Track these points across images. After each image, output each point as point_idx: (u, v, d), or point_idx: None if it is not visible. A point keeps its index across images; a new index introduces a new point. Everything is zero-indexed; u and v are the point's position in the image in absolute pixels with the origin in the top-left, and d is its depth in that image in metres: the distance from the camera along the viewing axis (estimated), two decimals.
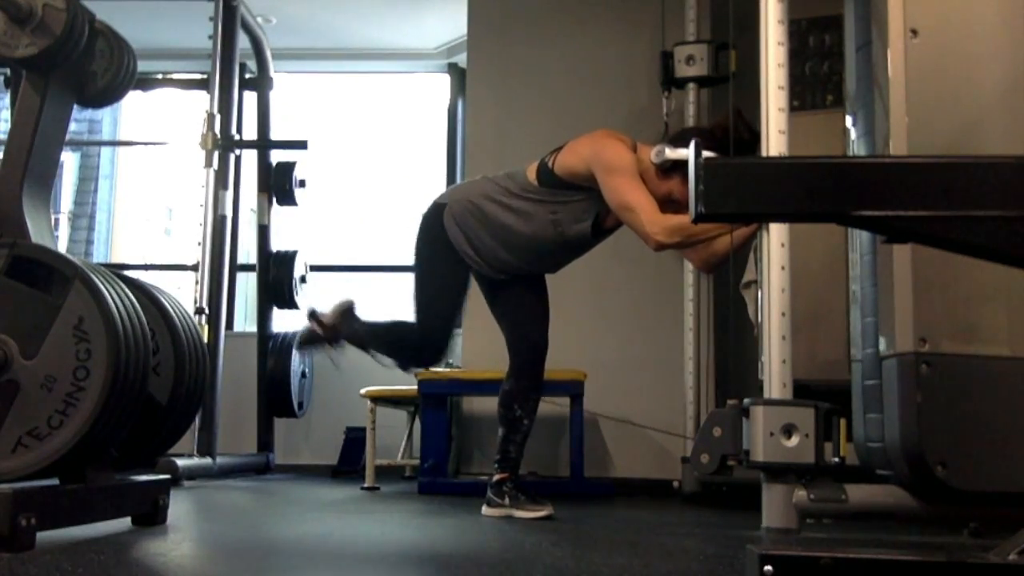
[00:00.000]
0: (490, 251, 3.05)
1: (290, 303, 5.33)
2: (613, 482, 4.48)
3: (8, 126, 2.53)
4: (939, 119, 2.27)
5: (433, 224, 3.09)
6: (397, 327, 3.20)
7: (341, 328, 3.28)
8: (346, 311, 3.29)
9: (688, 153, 1.32)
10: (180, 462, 4.07)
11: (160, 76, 5.93)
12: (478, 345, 4.61)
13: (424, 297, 3.11)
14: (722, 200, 1.31)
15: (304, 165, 5.42)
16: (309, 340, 3.39)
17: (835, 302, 3.41)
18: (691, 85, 4.57)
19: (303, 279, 5.42)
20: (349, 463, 5.15)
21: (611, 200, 2.87)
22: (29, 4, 2.29)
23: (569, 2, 5.18)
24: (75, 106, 2.51)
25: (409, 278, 3.16)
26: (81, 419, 2.00)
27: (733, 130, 2.78)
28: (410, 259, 3.18)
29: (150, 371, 2.20)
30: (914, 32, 2.27)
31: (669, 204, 2.88)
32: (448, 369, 4.30)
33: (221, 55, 4.85)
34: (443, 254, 3.07)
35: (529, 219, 2.99)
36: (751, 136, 2.74)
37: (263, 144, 5.38)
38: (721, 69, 4.43)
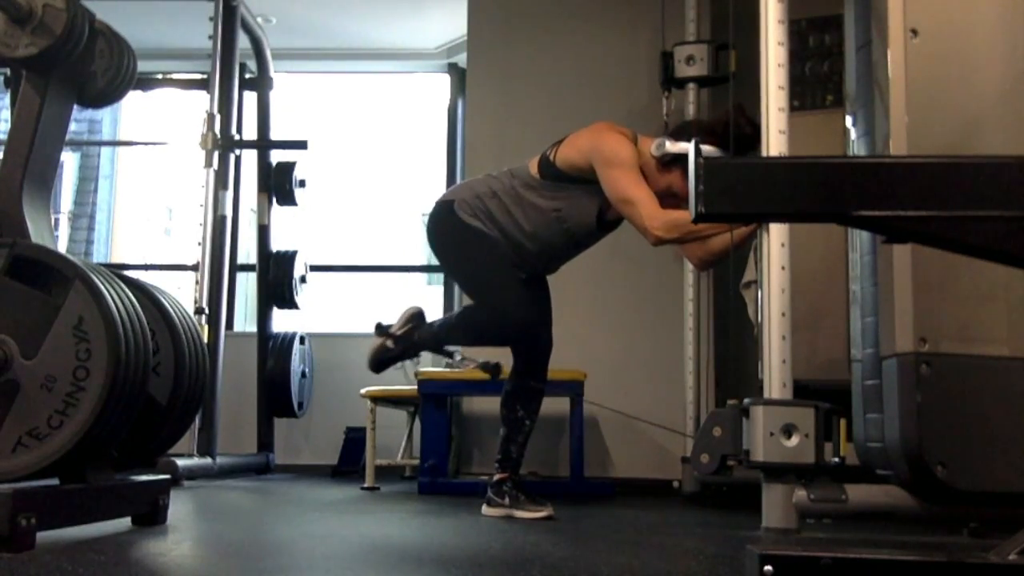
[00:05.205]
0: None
1: (290, 303, 5.33)
2: (613, 482, 4.48)
3: (8, 126, 2.53)
4: (939, 119, 2.27)
5: (447, 219, 3.04)
6: (468, 309, 3.09)
7: (415, 334, 3.13)
8: (415, 315, 3.16)
9: (688, 147, 1.32)
10: (180, 462, 4.07)
11: (160, 76, 5.94)
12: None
13: (472, 282, 3.04)
14: (722, 200, 1.31)
15: (304, 165, 5.42)
16: (381, 360, 3.17)
17: (835, 302, 3.41)
18: (691, 85, 4.57)
19: (303, 279, 5.42)
20: (349, 463, 5.15)
21: (610, 193, 2.87)
22: (29, 4, 2.29)
23: (569, 2, 5.18)
24: (75, 106, 2.51)
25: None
26: (81, 419, 2.00)
27: (734, 125, 2.77)
28: (435, 262, 3.08)
29: (150, 371, 2.20)
30: (914, 32, 2.26)
31: (669, 197, 2.87)
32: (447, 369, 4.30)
33: (221, 55, 4.85)
34: (470, 238, 3.00)
35: (533, 216, 2.99)
36: (752, 130, 2.72)
37: (263, 144, 5.38)
38: (721, 69, 4.44)
